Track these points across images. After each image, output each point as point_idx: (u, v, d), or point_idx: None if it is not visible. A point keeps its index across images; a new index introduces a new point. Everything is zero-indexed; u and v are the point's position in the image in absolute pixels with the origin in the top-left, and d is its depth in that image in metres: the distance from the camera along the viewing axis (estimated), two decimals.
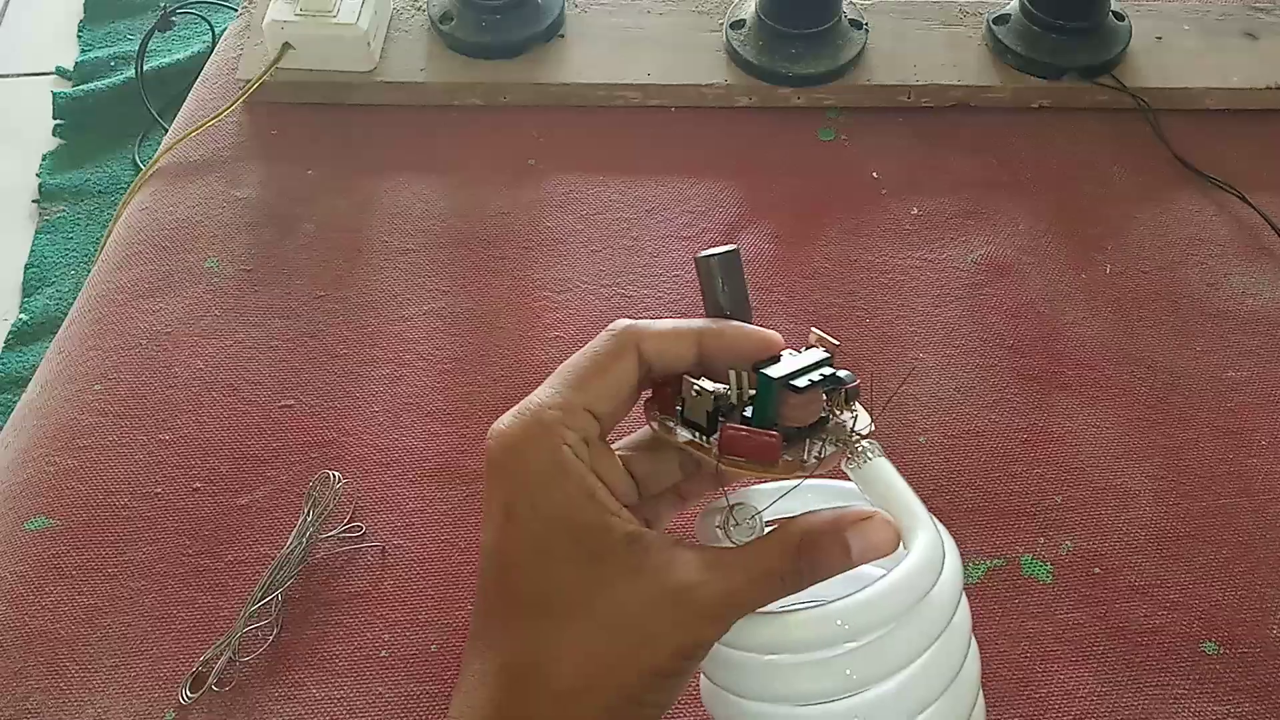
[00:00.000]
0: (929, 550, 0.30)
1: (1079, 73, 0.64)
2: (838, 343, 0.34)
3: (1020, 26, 0.65)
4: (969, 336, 0.56)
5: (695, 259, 0.35)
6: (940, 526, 0.32)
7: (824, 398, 0.32)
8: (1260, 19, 0.68)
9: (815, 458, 0.32)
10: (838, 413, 0.33)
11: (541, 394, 0.33)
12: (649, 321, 0.34)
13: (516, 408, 0.33)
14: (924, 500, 0.34)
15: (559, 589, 0.31)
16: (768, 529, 0.33)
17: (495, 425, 0.33)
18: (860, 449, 0.32)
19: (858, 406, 0.33)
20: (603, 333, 0.34)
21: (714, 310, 0.35)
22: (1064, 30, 0.64)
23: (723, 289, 0.34)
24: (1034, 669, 0.45)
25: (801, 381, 0.32)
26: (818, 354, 0.33)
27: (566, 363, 0.34)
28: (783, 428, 0.31)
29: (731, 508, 0.33)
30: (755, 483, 0.33)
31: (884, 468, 0.32)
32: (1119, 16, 0.66)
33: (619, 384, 0.33)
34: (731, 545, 0.33)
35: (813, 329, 0.34)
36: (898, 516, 0.31)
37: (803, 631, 0.30)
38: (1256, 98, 0.65)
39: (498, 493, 0.32)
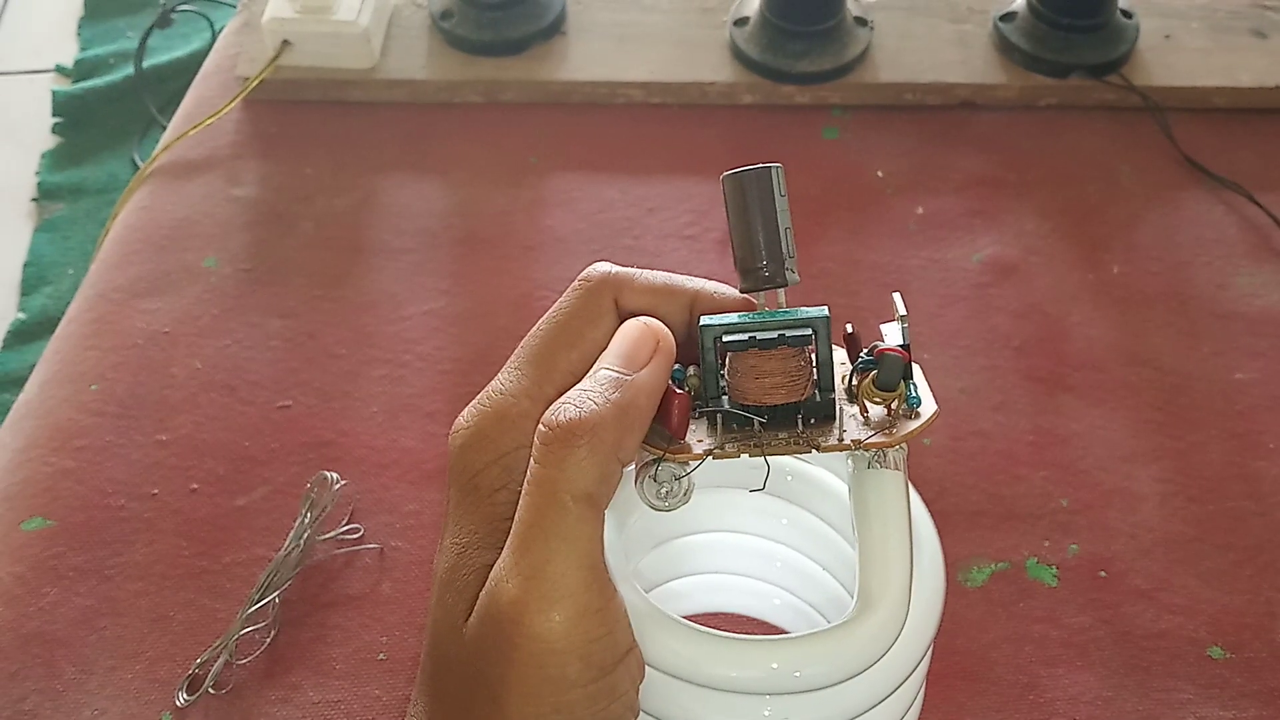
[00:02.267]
0: (871, 642, 0.26)
1: (1086, 71, 0.64)
2: (904, 312, 0.28)
3: (1027, 24, 0.65)
4: (974, 337, 0.55)
5: (722, 178, 0.29)
6: (935, 569, 0.28)
7: (810, 372, 0.27)
8: (1270, 17, 0.67)
9: (740, 444, 0.26)
10: (865, 398, 0.27)
11: (505, 379, 0.28)
12: (633, 271, 0.29)
13: (478, 397, 0.28)
14: (928, 502, 0.34)
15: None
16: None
17: (457, 419, 0.28)
18: (865, 452, 0.27)
19: (920, 391, 0.27)
20: (575, 283, 0.28)
21: (739, 259, 0.28)
22: (1071, 28, 0.64)
23: (757, 224, 0.27)
24: (1038, 673, 0.45)
25: (739, 336, 0.26)
26: (893, 329, 0.27)
27: (534, 331, 0.28)
28: (734, 400, 0.26)
29: (650, 465, 0.27)
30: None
31: (888, 489, 0.27)
32: (1127, 14, 0.66)
33: (599, 352, 0.28)
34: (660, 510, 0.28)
35: (895, 294, 0.28)
36: (870, 569, 0.27)
37: (724, 667, 0.27)
38: (1266, 97, 0.64)
39: (448, 503, 0.28)
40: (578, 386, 0.26)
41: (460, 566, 0.27)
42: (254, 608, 0.45)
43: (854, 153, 0.63)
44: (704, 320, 0.27)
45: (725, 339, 0.27)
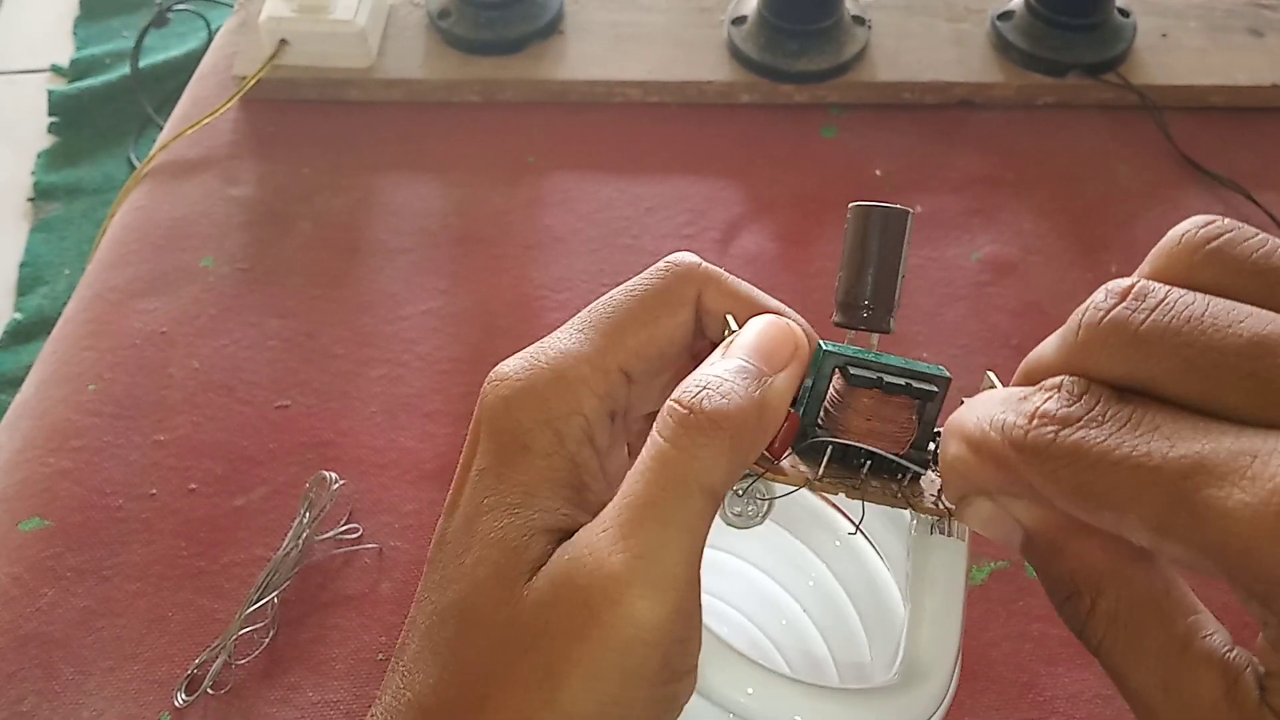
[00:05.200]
0: (919, 709, 0.25)
1: (1084, 70, 0.64)
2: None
3: (1025, 23, 0.65)
4: (973, 336, 0.55)
5: (850, 206, 0.27)
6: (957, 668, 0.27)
7: (914, 428, 0.25)
8: (1266, 16, 0.67)
9: (840, 482, 0.25)
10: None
11: (565, 339, 0.26)
12: (721, 271, 0.27)
13: (531, 350, 0.26)
14: None
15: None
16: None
17: (500, 367, 0.26)
18: (942, 518, 0.26)
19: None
20: (660, 265, 0.27)
21: (845, 292, 0.27)
22: (1069, 27, 0.64)
23: (873, 262, 0.26)
24: (1038, 672, 0.45)
25: (867, 373, 0.25)
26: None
27: (607, 299, 0.27)
28: (833, 433, 0.25)
29: (741, 480, 0.26)
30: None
31: (951, 559, 0.27)
32: (1124, 13, 0.66)
33: (668, 340, 0.26)
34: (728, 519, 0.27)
35: (988, 373, 0.26)
36: (922, 635, 0.26)
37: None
38: (1262, 95, 0.64)
39: (479, 457, 0.26)
40: (709, 371, 0.24)
41: (516, 526, 0.24)
42: (253, 608, 0.45)
43: (852, 152, 0.63)
44: (826, 345, 0.26)
45: (852, 371, 0.25)
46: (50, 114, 1.39)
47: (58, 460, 0.51)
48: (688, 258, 0.27)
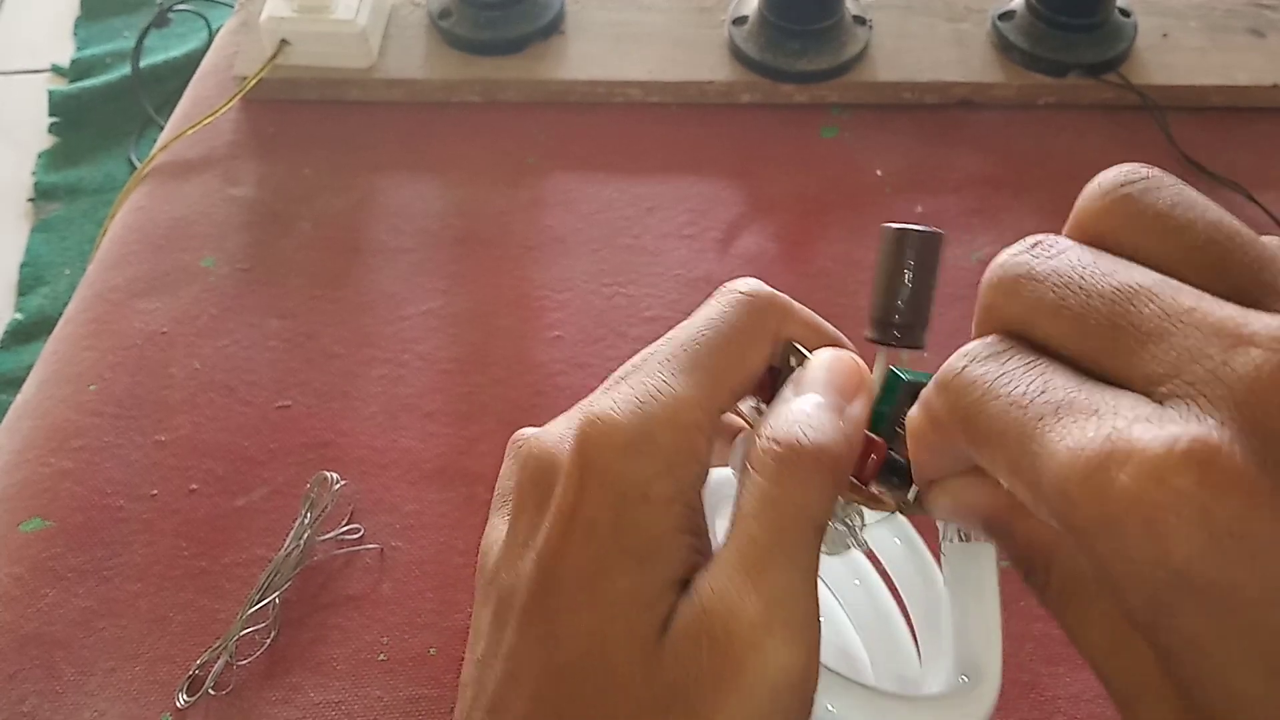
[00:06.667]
0: (983, 708, 0.25)
1: (1084, 70, 0.64)
2: None
3: (1025, 23, 0.65)
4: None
5: (883, 227, 0.27)
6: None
7: None
8: (1267, 16, 0.67)
9: (915, 502, 0.25)
10: None
11: (672, 381, 0.25)
12: (788, 299, 0.28)
13: (636, 392, 0.25)
14: None
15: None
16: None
17: (602, 409, 0.25)
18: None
19: None
20: (733, 295, 0.27)
21: (880, 309, 0.27)
22: (1069, 27, 0.64)
23: (907, 282, 0.27)
24: (1040, 672, 0.45)
25: None
26: None
27: (694, 336, 0.26)
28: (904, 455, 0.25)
29: (839, 509, 0.26)
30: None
31: (984, 562, 0.27)
32: (1125, 13, 0.66)
33: (750, 378, 0.27)
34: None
35: None
36: (972, 639, 0.26)
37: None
38: (1263, 95, 0.64)
39: (589, 506, 0.24)
40: (795, 407, 0.25)
41: (648, 580, 0.24)
42: (254, 608, 0.45)
43: (853, 152, 0.63)
44: (904, 375, 0.26)
45: None
46: (51, 114, 1.39)
47: (58, 460, 0.51)
48: (763, 288, 0.27)
